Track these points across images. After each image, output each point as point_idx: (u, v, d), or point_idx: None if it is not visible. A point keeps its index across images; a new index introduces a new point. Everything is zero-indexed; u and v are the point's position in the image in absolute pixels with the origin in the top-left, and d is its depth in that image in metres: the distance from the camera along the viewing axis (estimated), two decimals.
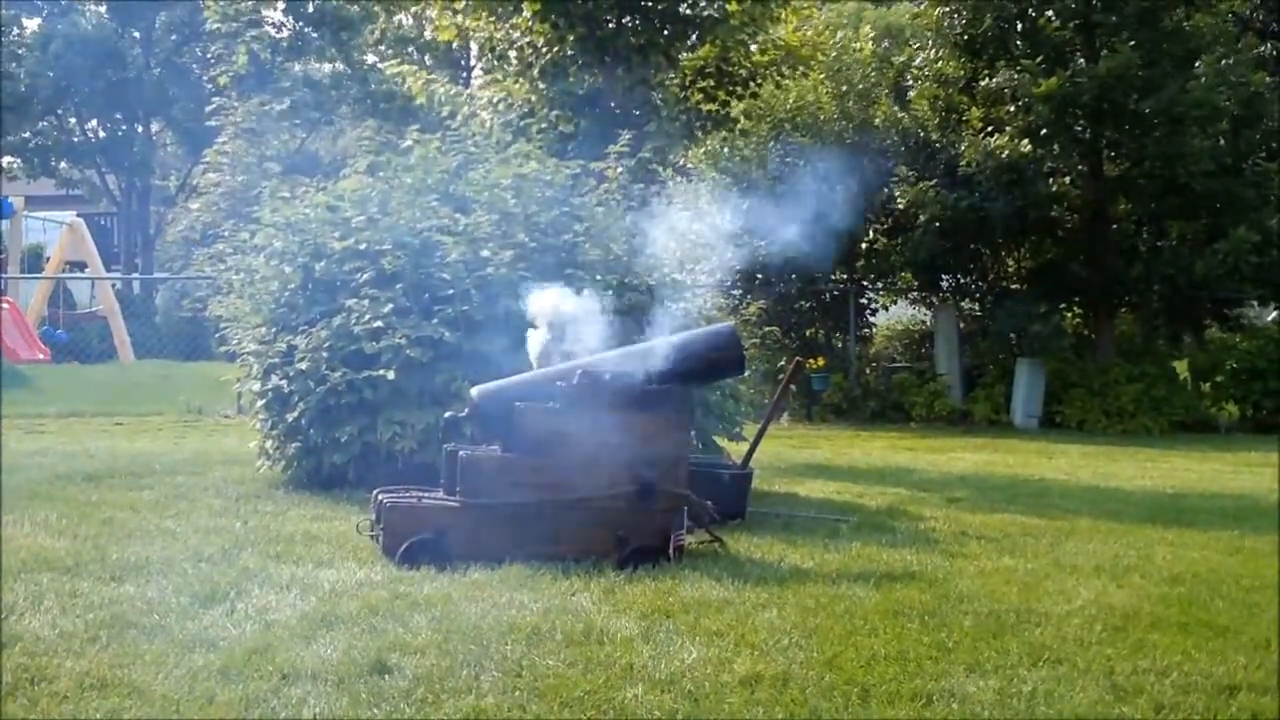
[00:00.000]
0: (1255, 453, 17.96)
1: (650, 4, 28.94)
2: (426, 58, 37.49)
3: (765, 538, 9.85)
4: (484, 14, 27.93)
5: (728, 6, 27.16)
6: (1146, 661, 6.61)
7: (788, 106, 26.14)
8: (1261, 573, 9.00)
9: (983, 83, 24.75)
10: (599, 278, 12.30)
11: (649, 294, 12.55)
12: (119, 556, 8.61)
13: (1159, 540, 10.26)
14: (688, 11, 28.80)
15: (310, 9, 39.75)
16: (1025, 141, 23.65)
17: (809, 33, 27.87)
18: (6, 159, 46.03)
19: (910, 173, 24.92)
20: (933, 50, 26.00)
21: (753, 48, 24.99)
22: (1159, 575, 8.82)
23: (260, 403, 12.56)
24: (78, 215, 38.26)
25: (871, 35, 28.63)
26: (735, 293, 24.50)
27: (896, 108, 26.00)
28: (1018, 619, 7.39)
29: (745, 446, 11.78)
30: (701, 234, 18.95)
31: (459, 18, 28.14)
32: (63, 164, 46.37)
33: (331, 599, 7.54)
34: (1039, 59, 23.97)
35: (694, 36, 26.63)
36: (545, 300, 9.78)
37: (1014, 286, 26.42)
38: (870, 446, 16.67)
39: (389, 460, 11.44)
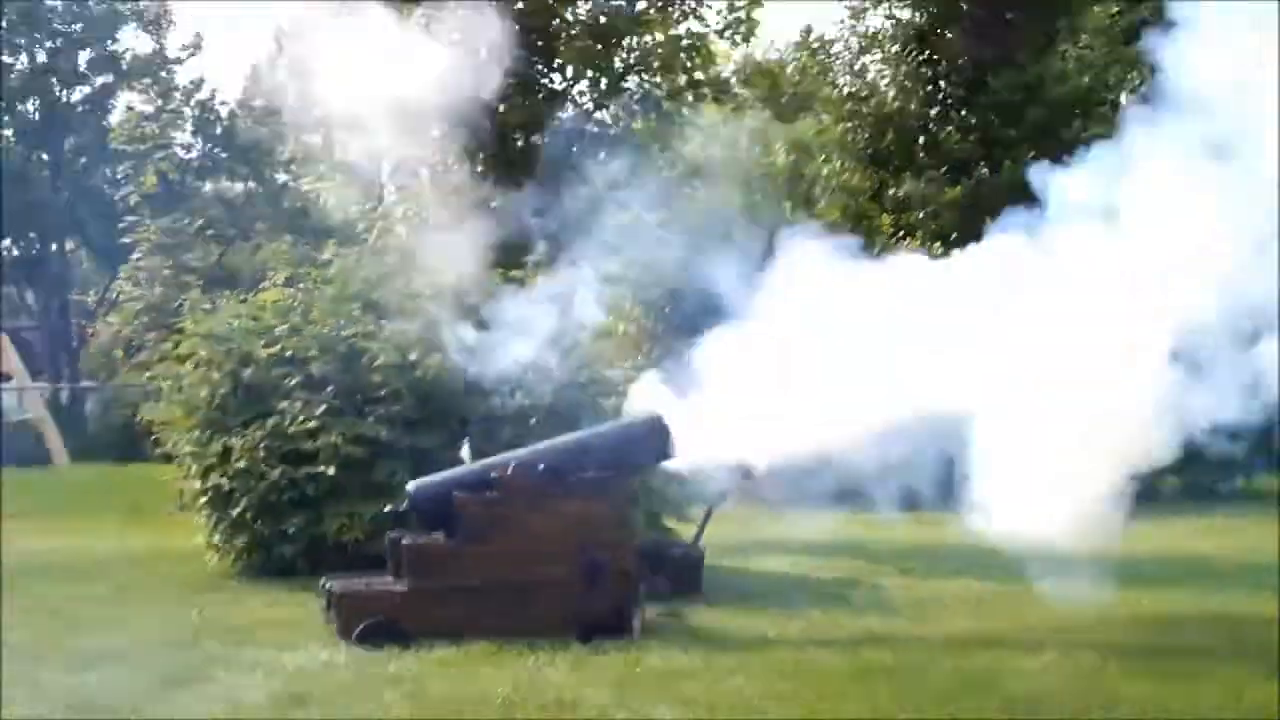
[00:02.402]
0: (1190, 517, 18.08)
1: (558, 124, 29.32)
2: (338, 176, 37.51)
3: (725, 610, 9.93)
4: (393, 133, 28.04)
5: (633, 125, 27.62)
6: (1123, 710, 6.76)
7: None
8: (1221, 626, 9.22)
9: (890, 191, 25.32)
10: (530, 375, 12.41)
11: (581, 391, 12.68)
12: (79, 646, 8.53)
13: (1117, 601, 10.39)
14: (594, 129, 29.23)
15: (218, 131, 39.80)
16: (938, 245, 24.13)
17: (716, 149, 28.34)
18: None
19: None
20: (839, 163, 26.55)
21: (661, 163, 25.37)
22: (1120, 630, 9.00)
23: (203, 499, 12.50)
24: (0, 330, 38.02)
25: (782, 148, 29.17)
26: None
27: (808, 216, 26.43)
28: (988, 677, 7.51)
29: (693, 526, 11.86)
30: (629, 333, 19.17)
31: (368, 139, 28.34)
32: None
33: (299, 679, 7.54)
34: (944, 169, 24.59)
35: (602, 154, 27.04)
36: None
37: None
38: (816, 524, 16.67)
39: (338, 549, 11.42)
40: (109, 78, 45.18)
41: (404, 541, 9.15)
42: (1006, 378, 8.66)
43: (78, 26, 44.47)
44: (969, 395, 8.75)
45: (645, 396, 10.35)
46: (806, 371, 9.13)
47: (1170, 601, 10.45)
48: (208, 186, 37.78)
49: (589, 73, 30.03)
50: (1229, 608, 10.17)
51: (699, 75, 30.11)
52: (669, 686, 7.27)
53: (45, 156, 45.17)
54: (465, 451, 10.05)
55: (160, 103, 41.00)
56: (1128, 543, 11.71)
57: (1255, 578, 11.34)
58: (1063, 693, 7.16)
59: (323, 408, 11.89)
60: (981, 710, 6.78)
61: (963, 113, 26.10)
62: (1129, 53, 24.62)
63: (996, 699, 7.02)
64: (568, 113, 30.22)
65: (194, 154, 39.52)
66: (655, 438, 9.79)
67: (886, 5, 26.95)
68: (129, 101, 43.64)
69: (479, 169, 27.59)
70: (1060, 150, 23.47)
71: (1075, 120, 24.77)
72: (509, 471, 9.26)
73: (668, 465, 11.54)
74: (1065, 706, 6.87)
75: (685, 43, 24.37)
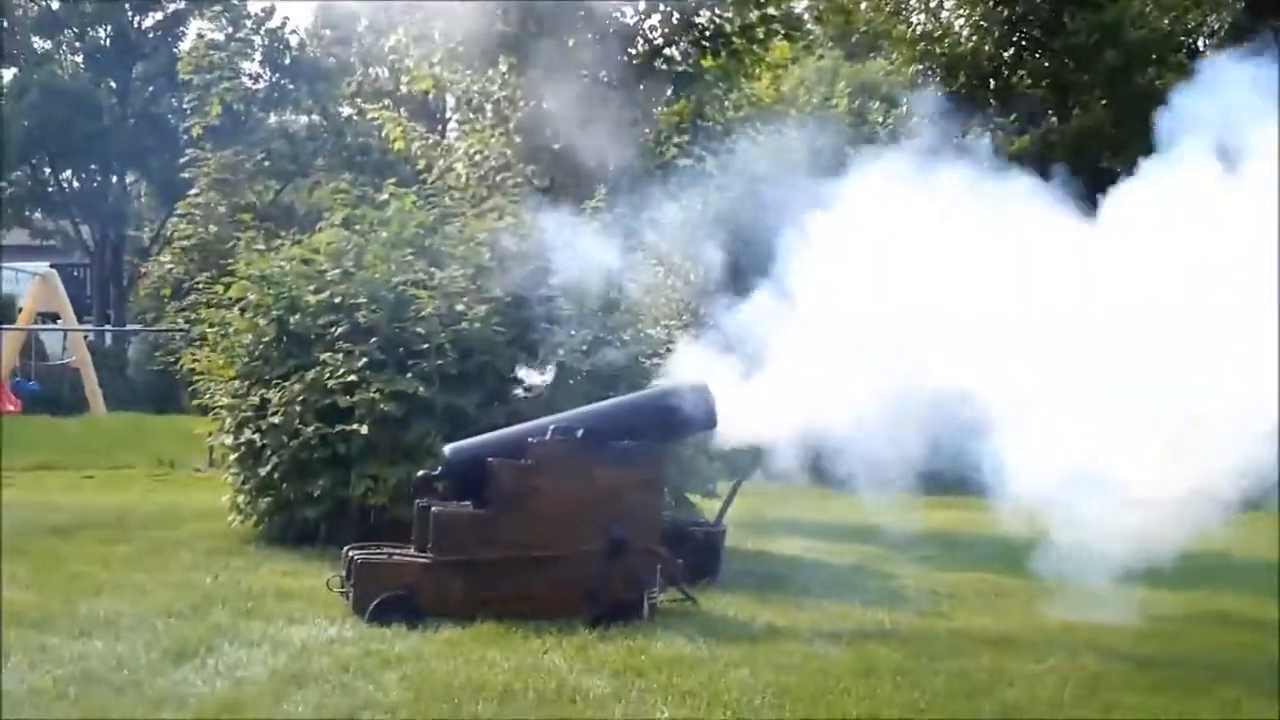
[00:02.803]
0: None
1: (626, 59, 29.04)
2: (402, 110, 37.53)
3: (738, 595, 9.84)
4: (460, 66, 28.01)
5: (702, 62, 27.30)
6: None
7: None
8: (1228, 634, 9.04)
9: (954, 141, 24.93)
10: (574, 333, 12.31)
11: (623, 349, 12.54)
12: (88, 611, 8.56)
13: (1129, 598, 10.23)
14: (663, 67, 28.95)
15: (287, 61, 39.82)
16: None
17: (784, 89, 28.03)
18: None
19: None
20: (906, 108, 26.18)
21: (728, 103, 25.11)
22: (1129, 634, 8.83)
23: (233, 456, 12.52)
24: (51, 266, 38.14)
25: (847, 91, 28.80)
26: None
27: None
28: (990, 679, 7.40)
29: (718, 503, 11.77)
30: (678, 287, 18.99)
31: (436, 69, 28.26)
32: (36, 215, 46.25)
33: (303, 656, 7.51)
34: (1012, 117, 24.19)
35: (669, 91, 26.79)
36: None
37: None
38: (842, 504, 16.62)
39: (361, 516, 11.41)
40: (180, 3, 45.32)
41: (432, 509, 9.03)
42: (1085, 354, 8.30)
43: None
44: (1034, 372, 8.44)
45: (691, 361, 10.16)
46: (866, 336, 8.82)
47: (1186, 603, 10.24)
48: (272, 119, 37.85)
49: (661, 6, 29.76)
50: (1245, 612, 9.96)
51: (771, 10, 29.75)
52: (672, 678, 7.19)
53: (113, 84, 45.36)
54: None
55: (230, 30, 41.10)
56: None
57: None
58: (1060, 701, 7.00)
59: (363, 360, 11.82)
60: (977, 714, 6.64)
61: (1037, 55, 25.65)
62: None
63: (993, 703, 6.88)
64: (637, 48, 30.03)
65: (261, 84, 39.61)
66: (699, 406, 9.62)
67: None
68: (200, 29, 43.79)
69: (544, 106, 27.44)
70: (1132, 99, 23.21)
71: (1151, 67, 24.30)
72: (546, 437, 9.11)
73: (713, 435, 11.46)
74: (1063, 715, 6.70)
75: None
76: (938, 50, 26.68)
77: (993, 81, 25.69)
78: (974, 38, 26.45)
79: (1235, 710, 6.94)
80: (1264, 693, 7.26)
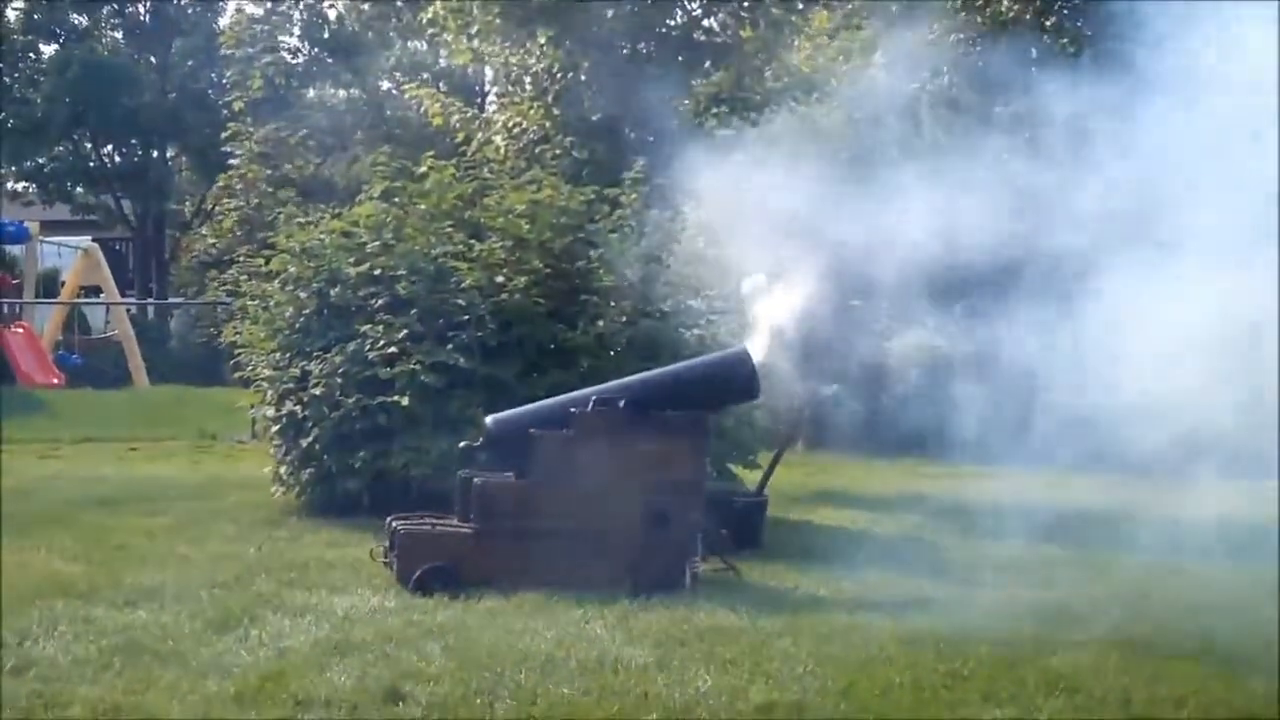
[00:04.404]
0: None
1: (664, 31, 28.97)
2: (441, 84, 37.56)
3: (780, 565, 9.82)
4: (499, 39, 27.98)
5: (741, 34, 27.21)
6: (1164, 690, 6.58)
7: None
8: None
9: (997, 110, 24.73)
10: (613, 304, 12.30)
11: (664, 320, 12.54)
12: (133, 582, 8.63)
13: (1176, 570, 10.19)
14: (702, 38, 28.87)
15: (326, 35, 39.83)
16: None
17: (821, 60, 27.90)
18: (23, 184, 46.13)
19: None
20: (947, 79, 25.98)
21: (767, 74, 25.01)
22: (1177, 605, 8.77)
23: (275, 428, 12.58)
24: (93, 240, 38.29)
25: (884, 63, 28.62)
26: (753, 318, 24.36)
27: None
28: (1034, 648, 7.36)
29: (760, 474, 11.76)
30: (719, 258, 18.91)
31: (474, 42, 28.27)
32: (78, 189, 46.42)
33: (345, 626, 7.55)
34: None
35: (708, 63, 26.72)
36: None
37: None
38: (886, 475, 16.63)
39: (404, 487, 11.44)
40: None
41: (474, 480, 9.04)
42: None
43: None
44: None
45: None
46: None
47: (1236, 573, 10.14)
48: (311, 93, 37.83)
49: None
50: None
51: None
52: (714, 647, 7.18)
53: (154, 59, 45.51)
54: None
55: (270, 4, 41.07)
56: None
57: None
58: (1105, 669, 6.95)
59: (404, 332, 11.85)
60: (1020, 682, 6.60)
61: (1079, 24, 25.36)
62: None
63: (1036, 671, 6.84)
64: (676, 19, 29.97)
65: (300, 59, 39.62)
66: (741, 375, 9.60)
67: None
68: (239, 4, 43.86)
69: (583, 78, 27.41)
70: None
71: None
72: (589, 408, 9.11)
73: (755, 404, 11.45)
74: (1105, 687, 6.65)
75: None
76: (979, 20, 26.41)
77: (1034, 50, 25.40)
78: (1017, 3, 26.20)
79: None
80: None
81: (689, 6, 30.32)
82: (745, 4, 28.70)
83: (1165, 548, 10.78)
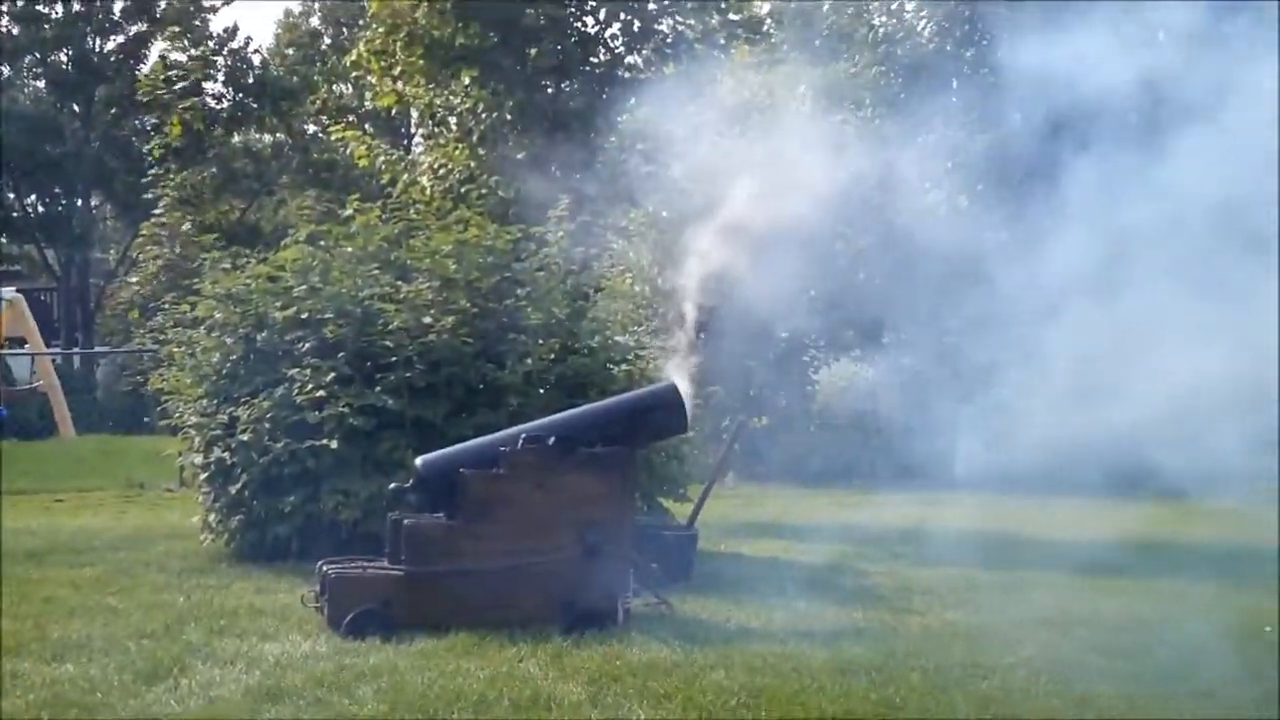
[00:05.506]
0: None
1: (589, 69, 29.09)
2: (367, 126, 37.69)
3: (712, 598, 9.83)
4: (423, 80, 28.04)
5: (664, 70, 27.34)
6: (1092, 713, 6.66)
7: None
8: (1209, 619, 9.09)
9: (919, 140, 24.94)
10: (541, 342, 12.32)
11: (592, 356, 12.57)
12: (60, 635, 8.52)
13: (1107, 589, 10.31)
14: (626, 75, 29.01)
15: (250, 80, 39.78)
16: (961, 197, 23.82)
17: (745, 94, 28.07)
18: None
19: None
20: (870, 110, 26.21)
21: (690, 109, 25.10)
22: (1107, 625, 8.89)
23: (203, 475, 12.48)
24: (17, 291, 37.92)
25: (809, 95, 28.84)
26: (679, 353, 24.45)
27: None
28: (964, 673, 7.43)
29: (690, 507, 11.79)
30: (644, 294, 18.99)
31: (399, 84, 28.31)
32: (1, 240, 46.09)
33: (277, 672, 7.48)
34: (974, 114, 24.19)
35: (632, 100, 26.87)
36: None
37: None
38: (816, 504, 16.72)
39: (333, 530, 11.37)
40: (142, 26, 45.28)
41: (404, 522, 9.02)
42: None
43: None
44: None
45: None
46: None
47: (1161, 593, 10.30)
48: (235, 138, 37.77)
49: (621, 15, 29.85)
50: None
51: (733, 15, 29.82)
52: (647, 682, 7.20)
53: (76, 108, 45.33)
54: None
55: (193, 51, 40.97)
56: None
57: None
58: (1034, 692, 7.03)
59: (331, 375, 11.80)
60: (952, 708, 6.66)
61: (999, 55, 25.66)
62: None
63: (968, 696, 6.92)
64: (599, 57, 30.13)
65: (224, 104, 39.57)
66: (669, 409, 9.66)
67: None
68: (161, 51, 43.77)
69: (508, 117, 27.48)
70: None
71: None
72: (518, 446, 9.11)
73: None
74: (1034, 708, 6.73)
75: None
76: (899, 53, 26.69)
77: (955, 81, 25.66)
78: (935, 39, 26.48)
79: (1209, 700, 6.96)
80: (1239, 683, 7.30)
81: (612, 44, 30.48)
82: (668, 40, 28.92)
83: (1087, 567, 10.96)
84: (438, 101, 28.36)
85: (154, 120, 36.86)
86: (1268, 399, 8.50)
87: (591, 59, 29.66)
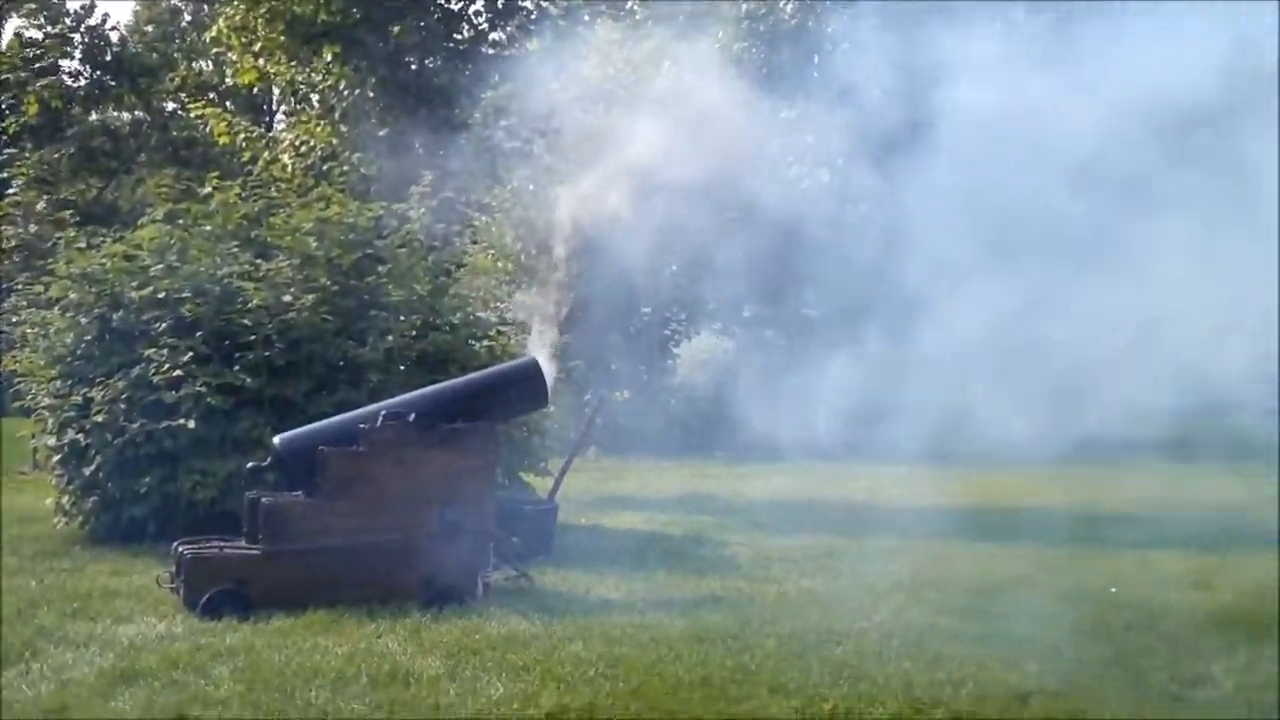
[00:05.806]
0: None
1: (452, 45, 28.93)
2: (228, 104, 37.13)
3: (572, 570, 9.88)
4: (285, 57, 27.71)
5: (528, 45, 27.28)
6: (943, 674, 6.79)
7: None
8: (1056, 582, 9.32)
9: (782, 114, 25.13)
10: (402, 319, 12.27)
11: (454, 332, 12.54)
12: None
13: (960, 555, 10.52)
14: (490, 51, 28.89)
15: (108, 58, 39.04)
16: (823, 171, 24.02)
17: (610, 70, 28.07)
18: None
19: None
20: (734, 84, 26.32)
21: (554, 85, 25.08)
22: (958, 589, 9.06)
23: (56, 458, 12.27)
24: None
25: (672, 71, 28.91)
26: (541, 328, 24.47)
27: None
28: (818, 639, 7.54)
29: (551, 481, 11.83)
30: (508, 270, 18.94)
31: (260, 61, 27.97)
32: None
33: (131, 654, 7.39)
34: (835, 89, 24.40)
35: (496, 76, 26.79)
36: None
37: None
38: (676, 476, 16.82)
39: (190, 511, 11.23)
40: None
41: (262, 500, 8.94)
42: None
43: None
44: None
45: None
46: None
47: (1018, 556, 10.53)
48: (93, 116, 37.07)
49: None
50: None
51: None
52: (506, 655, 7.22)
53: None
54: None
55: (49, 28, 40.11)
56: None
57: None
58: (887, 654, 7.17)
59: (189, 355, 11.64)
60: (806, 672, 6.77)
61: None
62: None
63: (822, 661, 7.06)
64: (463, 33, 29.97)
65: (82, 81, 38.81)
66: (530, 384, 9.70)
67: None
68: (18, 28, 42.80)
69: (370, 94, 27.25)
70: None
71: None
72: (378, 423, 9.07)
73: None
74: (890, 668, 6.87)
75: None
76: (761, 29, 26.83)
77: (816, 57, 25.85)
78: (797, 15, 26.66)
79: (1057, 658, 7.14)
80: (1083, 641, 7.50)
81: (475, 21, 30.33)
82: (532, 17, 28.83)
83: (943, 533, 11.17)
84: (299, 78, 28.07)
85: (9, 98, 36.06)
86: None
87: (455, 35, 29.50)
